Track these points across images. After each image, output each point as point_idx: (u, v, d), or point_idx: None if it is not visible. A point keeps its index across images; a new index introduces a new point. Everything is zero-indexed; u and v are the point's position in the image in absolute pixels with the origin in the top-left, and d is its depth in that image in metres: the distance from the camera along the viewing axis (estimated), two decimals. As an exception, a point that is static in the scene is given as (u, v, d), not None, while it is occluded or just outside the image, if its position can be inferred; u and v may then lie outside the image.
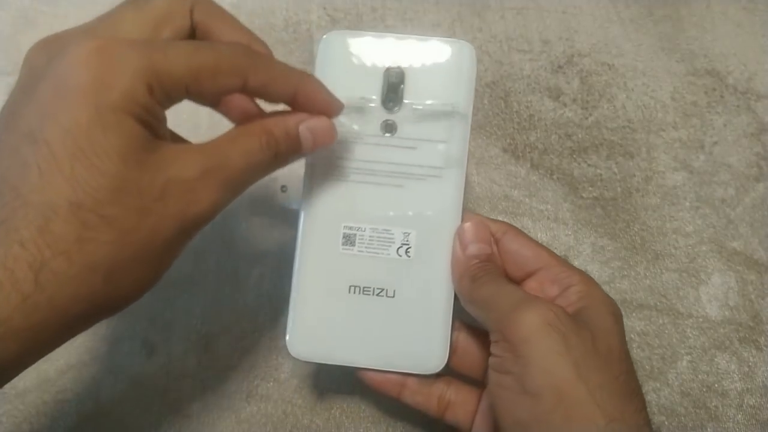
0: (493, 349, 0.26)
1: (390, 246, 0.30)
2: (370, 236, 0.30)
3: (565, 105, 0.42)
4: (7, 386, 0.35)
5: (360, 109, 0.30)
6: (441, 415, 0.30)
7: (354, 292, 0.30)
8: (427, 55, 0.30)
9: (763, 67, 0.43)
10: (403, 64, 0.30)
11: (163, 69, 0.21)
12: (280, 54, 0.43)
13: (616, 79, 0.43)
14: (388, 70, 0.30)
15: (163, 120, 0.23)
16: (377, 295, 0.30)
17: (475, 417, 0.30)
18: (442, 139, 0.30)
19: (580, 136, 0.41)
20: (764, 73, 0.43)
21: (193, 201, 0.22)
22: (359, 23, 0.44)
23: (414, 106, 0.30)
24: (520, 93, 0.42)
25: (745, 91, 0.43)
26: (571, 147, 0.41)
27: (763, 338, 0.37)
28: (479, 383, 0.31)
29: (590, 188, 0.40)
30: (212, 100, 0.25)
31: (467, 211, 0.30)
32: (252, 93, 0.25)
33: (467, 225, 0.29)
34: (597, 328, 0.25)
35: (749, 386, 0.36)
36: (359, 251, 0.30)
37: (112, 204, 0.20)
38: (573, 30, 0.44)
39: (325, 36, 0.30)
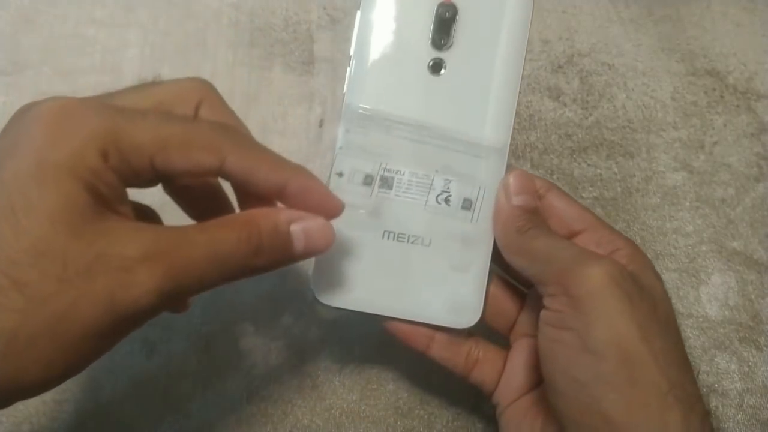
0: (548, 303, 0.25)
1: (429, 193, 0.28)
2: (408, 181, 0.28)
3: (565, 105, 0.42)
4: (7, 386, 0.35)
5: (407, 47, 0.28)
6: (467, 374, 0.30)
7: (388, 238, 0.28)
8: None
9: (763, 67, 0.43)
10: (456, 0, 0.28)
11: (124, 135, 0.20)
12: (280, 54, 0.43)
13: (616, 79, 0.43)
14: (440, 5, 0.28)
15: (119, 191, 0.21)
16: (412, 242, 0.28)
17: (501, 377, 0.30)
18: (490, 82, 0.28)
19: (580, 136, 0.41)
20: (764, 72, 0.43)
21: (127, 283, 0.19)
22: (359, 23, 0.44)
23: (464, 46, 0.28)
24: (520, 93, 0.42)
25: (745, 91, 0.43)
26: (571, 147, 0.41)
27: (763, 338, 0.37)
28: (504, 343, 0.30)
29: (590, 188, 0.40)
30: (186, 180, 0.22)
31: (511, 166, 0.29)
32: (233, 179, 0.22)
33: (513, 175, 0.28)
34: (653, 291, 0.25)
35: (749, 386, 0.36)
36: (396, 195, 0.28)
37: (28, 268, 0.18)
38: (573, 30, 0.44)
39: None
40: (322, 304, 0.28)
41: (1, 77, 0.41)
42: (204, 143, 0.21)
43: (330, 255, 0.27)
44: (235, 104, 0.41)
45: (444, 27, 0.28)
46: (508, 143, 0.28)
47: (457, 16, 0.28)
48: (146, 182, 0.22)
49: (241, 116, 0.41)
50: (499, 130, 0.28)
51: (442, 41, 0.28)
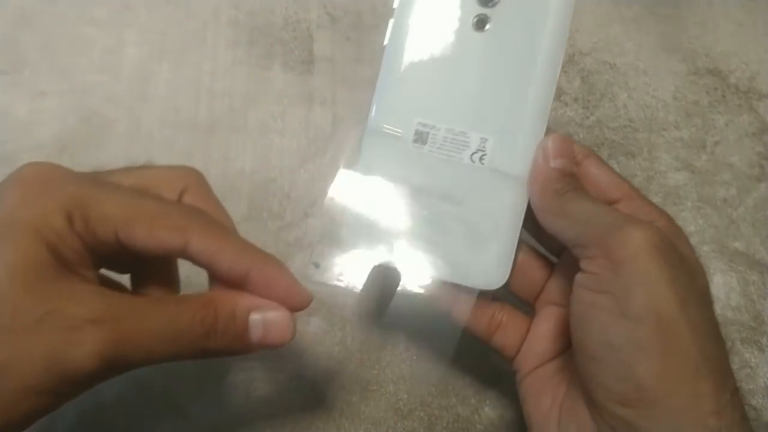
0: (586, 265, 0.24)
1: (464, 150, 0.28)
2: (444, 137, 0.28)
3: (566, 104, 0.42)
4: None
5: (452, 2, 0.28)
6: (489, 337, 0.30)
7: (418, 194, 0.28)
8: None
9: (764, 67, 0.43)
10: None
11: (93, 203, 0.20)
12: (279, 53, 0.43)
13: (617, 79, 0.42)
14: None
15: (83, 256, 0.21)
16: (442, 200, 0.28)
17: (523, 343, 0.29)
18: (535, 41, 0.28)
19: (581, 135, 0.41)
20: (766, 72, 0.43)
21: (70, 342, 0.19)
22: (359, 22, 0.43)
23: (510, 3, 0.28)
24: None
25: (746, 91, 0.42)
26: (573, 147, 0.41)
27: (764, 339, 0.37)
28: (529, 310, 0.30)
29: (591, 188, 0.40)
30: (151, 256, 0.22)
31: (550, 130, 0.28)
32: (197, 261, 0.22)
33: (553, 138, 0.27)
34: (692, 263, 0.24)
35: (751, 387, 0.36)
36: (430, 151, 0.28)
37: None
38: (574, 29, 0.44)
39: None
40: (346, 252, 0.28)
41: (0, 76, 0.41)
42: (169, 223, 0.21)
43: (361, 205, 0.28)
44: (235, 104, 0.41)
45: None
46: (550, 104, 0.28)
47: None
48: (113, 255, 0.22)
49: (240, 115, 0.42)
50: (541, 90, 0.28)
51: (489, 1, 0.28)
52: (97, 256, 0.21)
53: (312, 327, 0.37)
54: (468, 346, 0.37)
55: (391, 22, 0.28)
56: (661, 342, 0.22)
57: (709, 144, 0.41)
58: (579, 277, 0.25)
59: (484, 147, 0.28)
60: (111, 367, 0.20)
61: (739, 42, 0.44)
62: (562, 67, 0.42)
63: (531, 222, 0.28)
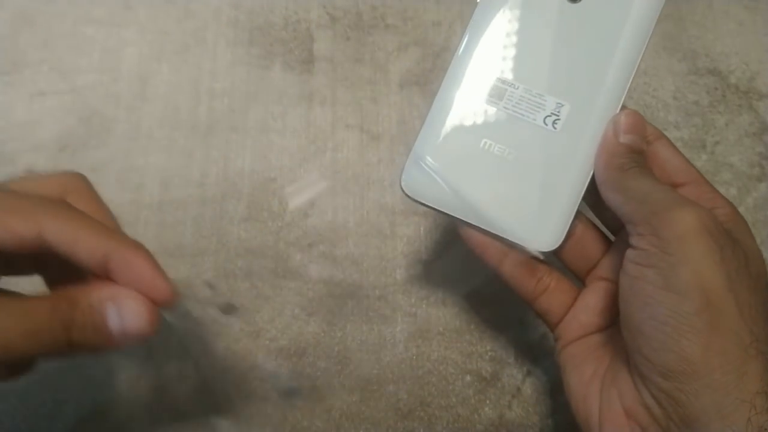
0: (636, 241, 0.25)
1: (538, 112, 0.28)
2: (520, 96, 0.28)
3: (566, 104, 0.42)
4: (6, 386, 0.35)
5: None
6: (534, 299, 0.30)
7: (487, 148, 0.28)
8: None
9: (765, 67, 0.43)
10: None
11: None
12: (279, 53, 0.42)
13: (617, 79, 0.42)
14: None
15: None
16: (510, 157, 0.28)
17: (568, 311, 0.30)
18: (625, 16, 0.28)
19: (581, 135, 0.41)
20: (766, 72, 0.43)
21: None
22: (359, 22, 0.43)
23: None
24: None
25: (747, 91, 0.42)
26: (573, 146, 0.41)
27: (765, 339, 0.37)
28: (578, 282, 0.30)
29: (591, 188, 0.40)
30: (11, 252, 0.21)
31: (625, 107, 0.29)
32: (57, 250, 0.21)
33: (626, 113, 0.28)
34: (748, 248, 0.24)
35: (751, 387, 0.36)
36: (505, 108, 0.28)
37: None
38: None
39: None
40: (408, 197, 0.28)
41: (0, 76, 0.41)
42: (19, 209, 0.21)
43: (426, 150, 0.29)
44: (235, 103, 0.41)
45: None
46: (630, 81, 0.28)
47: None
48: None
49: (240, 115, 0.42)
50: (626, 66, 0.28)
51: None
52: None
53: (312, 327, 0.37)
54: (468, 347, 0.37)
55: None
56: (707, 318, 0.22)
57: (709, 144, 0.41)
58: (629, 252, 0.25)
59: (558, 112, 0.28)
60: None
61: (739, 42, 0.44)
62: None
63: (594, 197, 0.28)
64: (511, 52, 0.29)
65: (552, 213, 0.28)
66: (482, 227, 0.28)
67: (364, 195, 0.39)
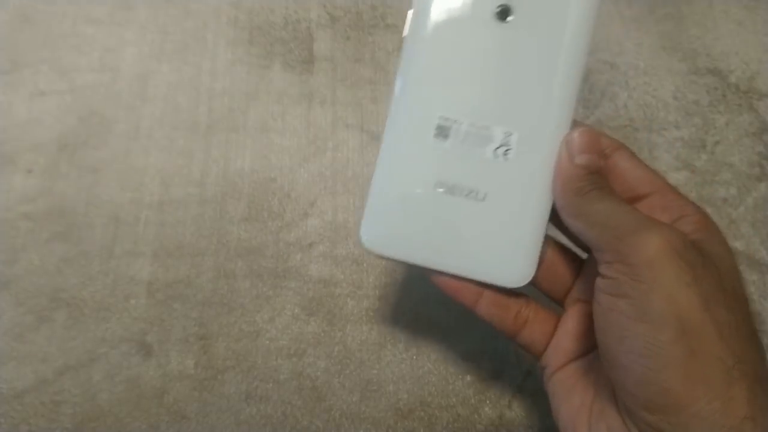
0: (605, 270, 0.24)
1: (487, 145, 0.27)
2: (466, 131, 0.27)
3: (566, 104, 0.42)
4: (5, 387, 0.35)
5: None
6: (515, 334, 0.29)
7: (441, 190, 0.27)
8: None
9: (765, 66, 0.43)
10: None
11: None
12: (279, 53, 0.42)
13: (617, 78, 0.42)
14: None
15: None
16: (466, 196, 0.27)
17: (550, 340, 0.29)
18: (559, 30, 0.27)
19: (581, 135, 0.41)
20: (766, 72, 0.43)
21: None
22: (359, 21, 0.43)
23: None
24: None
25: (747, 90, 0.42)
26: (573, 146, 0.41)
27: (765, 339, 0.37)
28: (556, 307, 0.30)
29: (591, 188, 0.40)
30: None
31: (577, 122, 0.27)
32: None
33: (578, 132, 0.26)
34: (719, 260, 0.23)
35: (751, 387, 0.36)
36: (452, 146, 0.27)
37: None
38: (574, 29, 0.44)
39: None
40: (370, 252, 0.28)
41: (0, 76, 0.41)
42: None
43: (380, 201, 0.27)
44: (235, 103, 0.41)
45: None
46: (576, 96, 0.27)
47: None
48: None
49: (240, 115, 0.42)
50: (567, 82, 0.27)
51: None
52: None
53: (312, 327, 0.37)
54: (468, 346, 0.37)
55: (410, 13, 0.28)
56: (685, 346, 0.21)
57: (709, 144, 0.41)
58: (598, 281, 0.24)
59: (508, 141, 0.27)
60: None
61: (739, 41, 0.44)
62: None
63: (560, 220, 0.27)
64: (449, 85, 0.27)
65: (518, 247, 0.27)
66: (450, 272, 0.28)
67: (364, 195, 0.39)
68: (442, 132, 0.27)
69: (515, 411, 0.35)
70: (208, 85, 0.41)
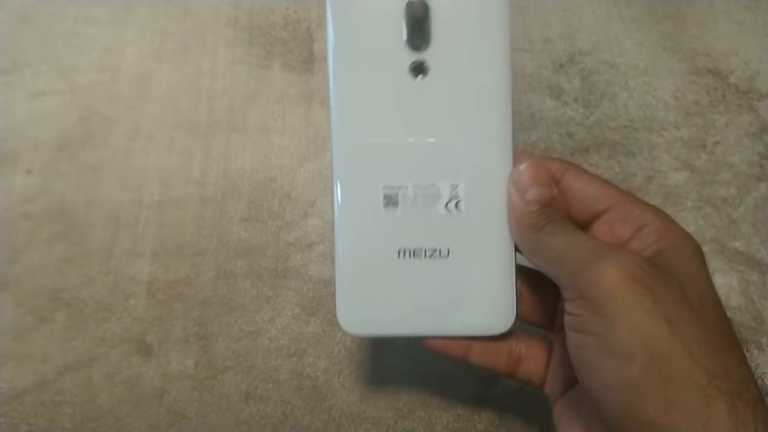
0: (568, 307, 0.23)
1: (437, 202, 0.27)
2: (414, 194, 0.27)
3: (566, 104, 0.42)
4: (5, 387, 0.35)
5: (383, 52, 0.27)
6: (512, 373, 0.29)
7: (404, 257, 0.27)
8: None
9: (765, 67, 0.43)
10: None
11: None
12: (279, 53, 0.42)
13: (617, 78, 0.42)
14: (409, 4, 0.26)
15: None
16: (430, 257, 0.27)
17: (546, 371, 0.28)
18: (480, 75, 0.27)
19: (581, 135, 0.41)
20: (766, 72, 0.43)
21: None
22: (359, 22, 0.43)
23: (444, 44, 0.26)
24: (521, 92, 0.42)
25: (747, 91, 0.42)
26: (573, 146, 0.41)
27: (765, 339, 0.37)
28: (546, 332, 0.29)
29: (591, 188, 0.40)
30: None
31: (520, 153, 0.27)
32: None
33: (523, 167, 0.26)
34: (683, 274, 0.23)
35: (751, 387, 0.36)
36: (404, 211, 0.27)
37: None
38: (574, 29, 0.44)
39: None
40: (352, 335, 0.28)
41: (0, 76, 0.41)
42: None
43: (349, 283, 0.27)
44: (235, 103, 0.41)
45: (417, 26, 0.26)
46: (510, 131, 0.27)
47: (430, 14, 0.26)
48: None
49: (240, 115, 0.42)
50: (497, 121, 0.27)
51: (419, 42, 0.26)
52: None
53: (312, 327, 0.37)
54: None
55: (330, 86, 0.27)
56: (657, 374, 0.20)
57: (710, 144, 0.41)
58: (566, 318, 0.24)
59: (456, 193, 0.27)
60: None
61: (739, 42, 0.44)
62: (562, 67, 0.42)
63: None
64: (383, 151, 0.27)
65: (494, 293, 0.27)
66: (434, 335, 0.28)
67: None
68: (391, 201, 0.27)
69: (515, 411, 0.35)
70: (208, 85, 0.41)
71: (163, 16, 0.43)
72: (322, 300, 0.37)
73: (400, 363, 0.36)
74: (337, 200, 0.27)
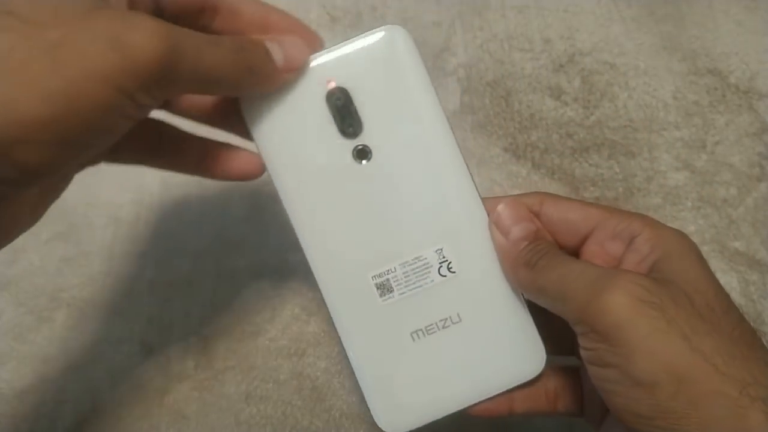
0: (581, 341, 0.23)
1: (429, 271, 0.27)
2: (404, 272, 0.26)
3: (566, 104, 0.42)
4: (6, 387, 0.35)
5: (321, 151, 0.26)
6: (554, 410, 0.28)
7: (419, 338, 0.27)
8: (360, 59, 0.26)
9: (765, 66, 0.43)
10: (341, 82, 0.26)
11: None
12: (279, 53, 0.43)
13: (617, 79, 0.42)
14: (329, 95, 0.26)
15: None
16: (444, 327, 0.27)
17: (583, 400, 0.28)
18: (423, 142, 0.26)
19: (581, 135, 0.41)
20: (766, 72, 0.43)
21: (133, 25, 0.18)
22: (359, 22, 0.43)
23: (376, 118, 0.26)
24: (521, 92, 0.42)
25: (747, 91, 0.42)
26: (573, 146, 0.41)
27: (765, 339, 0.37)
28: (573, 360, 0.28)
29: (592, 188, 0.40)
30: (179, 9, 0.23)
31: (488, 198, 0.27)
32: (224, 4, 0.24)
33: (500, 208, 0.26)
34: (688, 282, 0.22)
35: (751, 387, 0.36)
36: (401, 294, 0.26)
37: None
38: (574, 29, 0.44)
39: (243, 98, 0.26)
40: None
41: None
42: None
43: (375, 385, 0.27)
44: (235, 103, 0.41)
45: (346, 113, 0.26)
46: (471, 182, 0.27)
47: (352, 97, 0.26)
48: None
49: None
50: (455, 178, 0.27)
51: (352, 128, 0.26)
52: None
53: (312, 327, 0.37)
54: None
55: (283, 200, 0.27)
56: (687, 396, 0.20)
57: (709, 144, 0.41)
58: (582, 353, 0.23)
59: (444, 257, 0.27)
60: (171, 63, 0.19)
61: (739, 42, 0.44)
62: (562, 67, 0.42)
63: None
64: (359, 245, 0.26)
65: (517, 338, 0.27)
66: (475, 402, 0.27)
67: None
68: (385, 288, 0.27)
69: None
70: (208, 86, 0.41)
71: (163, 16, 0.43)
72: (322, 300, 0.37)
73: (400, 363, 0.36)
74: (333, 308, 0.27)
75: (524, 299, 0.27)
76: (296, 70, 0.25)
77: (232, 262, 0.38)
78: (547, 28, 0.44)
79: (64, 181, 0.24)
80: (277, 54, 0.24)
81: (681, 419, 0.20)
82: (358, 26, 0.43)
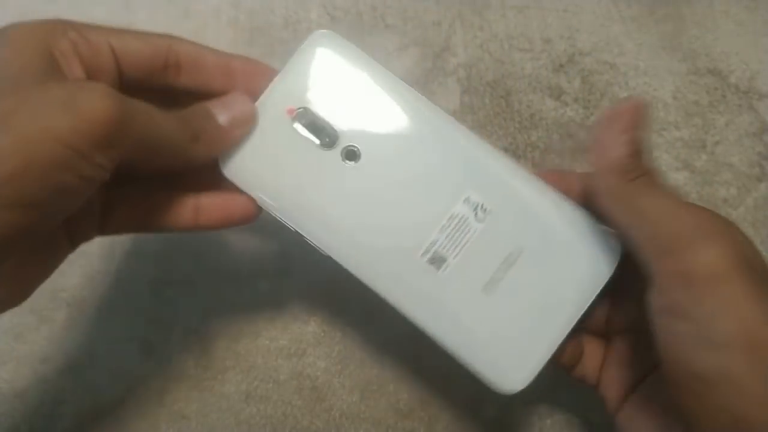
0: (660, 282, 0.21)
1: (468, 222, 0.26)
2: (446, 236, 0.26)
3: (566, 104, 0.42)
4: (6, 387, 0.35)
5: (314, 167, 0.27)
6: (572, 367, 0.28)
7: (493, 288, 0.26)
8: (301, 76, 0.27)
9: (765, 67, 0.43)
10: (298, 104, 0.26)
11: (81, 26, 0.24)
12: (279, 53, 0.42)
13: (617, 79, 0.42)
14: (293, 120, 0.26)
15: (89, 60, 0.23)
16: (511, 265, 0.26)
17: (600, 372, 0.28)
18: (397, 114, 0.27)
19: (581, 135, 0.41)
20: (766, 72, 0.43)
21: (85, 88, 0.20)
22: (359, 22, 0.43)
23: (346, 121, 0.27)
24: (521, 92, 0.42)
25: (747, 91, 0.42)
26: (573, 146, 0.41)
27: (765, 339, 0.37)
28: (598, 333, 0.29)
29: (591, 188, 0.40)
30: (143, 63, 0.24)
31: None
32: (185, 60, 0.25)
33: (625, 103, 0.24)
34: (763, 263, 0.21)
35: (751, 387, 0.36)
36: (455, 257, 0.26)
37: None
38: (574, 29, 0.44)
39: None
40: (522, 389, 0.26)
41: (0, 76, 0.41)
42: (154, 32, 0.25)
43: (477, 356, 0.26)
44: (235, 103, 0.41)
45: (319, 127, 0.27)
46: (460, 125, 0.27)
47: (315, 111, 0.26)
48: (107, 70, 0.24)
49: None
50: (445, 133, 0.27)
51: (329, 138, 0.27)
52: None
53: (312, 327, 0.37)
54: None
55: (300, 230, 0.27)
56: (758, 366, 0.19)
57: (709, 144, 0.41)
58: (654, 298, 0.22)
59: (472, 201, 0.27)
60: (122, 123, 0.20)
61: (739, 42, 0.44)
62: (562, 67, 0.42)
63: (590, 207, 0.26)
64: (391, 235, 0.27)
65: (586, 237, 0.26)
66: (576, 320, 0.26)
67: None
68: (437, 260, 0.26)
69: (515, 411, 0.35)
70: (208, 86, 0.41)
71: (163, 16, 0.43)
72: (322, 300, 0.37)
73: (400, 363, 0.36)
74: (406, 310, 0.27)
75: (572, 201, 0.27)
76: (245, 126, 0.26)
77: (232, 262, 0.38)
78: (547, 28, 0.44)
79: (53, 257, 0.24)
80: (222, 116, 0.25)
81: (745, 388, 0.19)
82: (358, 26, 0.43)
